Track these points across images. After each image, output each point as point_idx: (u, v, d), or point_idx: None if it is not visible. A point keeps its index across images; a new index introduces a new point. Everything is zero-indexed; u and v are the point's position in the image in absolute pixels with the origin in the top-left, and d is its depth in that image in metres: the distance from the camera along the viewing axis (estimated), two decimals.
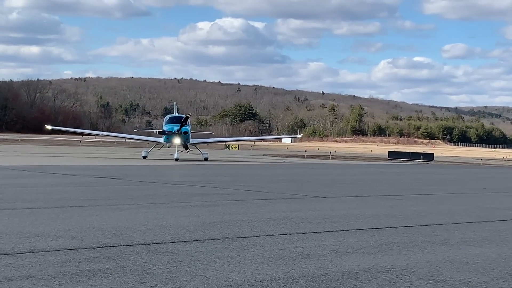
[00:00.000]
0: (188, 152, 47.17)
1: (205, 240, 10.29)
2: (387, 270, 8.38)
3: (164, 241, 10.05)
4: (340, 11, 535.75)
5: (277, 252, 9.38)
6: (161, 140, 48.52)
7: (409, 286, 7.55)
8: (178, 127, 45.46)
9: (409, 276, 8.05)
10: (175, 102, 62.22)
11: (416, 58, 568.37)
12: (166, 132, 46.16)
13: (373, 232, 11.86)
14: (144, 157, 46.04)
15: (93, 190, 19.10)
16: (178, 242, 10.01)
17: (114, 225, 11.56)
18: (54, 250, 8.91)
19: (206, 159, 46.79)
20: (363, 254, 9.51)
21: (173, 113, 54.60)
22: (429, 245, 10.56)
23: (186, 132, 46.06)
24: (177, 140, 45.76)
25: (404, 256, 9.42)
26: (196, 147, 50.20)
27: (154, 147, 51.11)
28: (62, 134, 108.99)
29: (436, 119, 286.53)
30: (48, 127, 58.05)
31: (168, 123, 47.56)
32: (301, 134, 78.22)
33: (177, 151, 45.27)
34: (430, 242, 10.93)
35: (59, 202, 15.28)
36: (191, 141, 48.76)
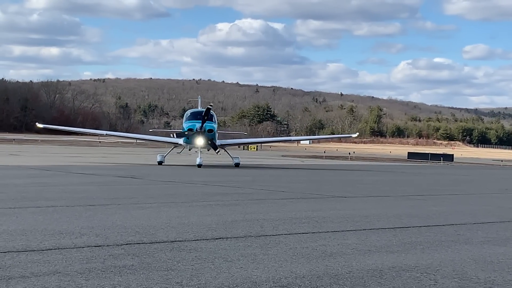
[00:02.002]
0: (218, 153, 38.90)
1: (228, 238, 10.32)
2: (411, 268, 8.36)
3: (188, 239, 10.09)
4: (360, 12, 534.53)
5: (300, 250, 9.39)
6: (181, 141, 39.33)
7: (434, 284, 7.54)
8: (200, 124, 36.50)
9: (433, 275, 8.03)
10: (199, 96, 52.02)
11: (437, 59, 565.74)
12: (186, 132, 37.43)
13: (395, 231, 11.83)
14: (160, 163, 37.63)
15: (114, 189, 19.23)
16: (201, 240, 10.06)
17: (137, 223, 11.63)
18: (79, 247, 8.99)
19: (237, 165, 38.08)
20: (386, 252, 9.49)
21: (196, 108, 43.52)
22: (453, 244, 10.52)
23: (211, 131, 36.98)
24: (200, 141, 36.90)
25: (428, 255, 9.40)
26: (225, 150, 40.92)
27: (172, 149, 41.64)
28: (80, 135, 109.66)
29: (456, 121, 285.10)
30: (40, 125, 48.20)
31: (189, 120, 38.32)
32: (357, 133, 61.83)
33: (200, 154, 36.40)
34: (453, 241, 10.89)
35: (82, 200, 15.39)
36: (218, 142, 39.50)
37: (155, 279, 7.25)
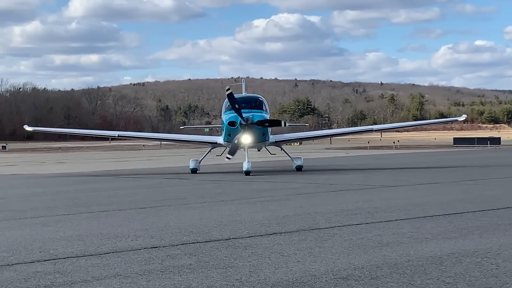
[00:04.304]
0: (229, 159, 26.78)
1: (281, 233, 10.31)
2: (471, 253, 8.25)
3: (242, 236, 10.12)
4: None
5: (355, 241, 9.33)
6: (220, 140, 29.59)
7: (496, 268, 7.42)
8: (250, 115, 26.63)
9: (494, 259, 7.90)
10: (243, 80, 41.22)
11: (478, 42, 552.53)
12: (229, 122, 27.11)
13: (450, 217, 11.69)
14: (193, 171, 28.64)
15: (163, 191, 19.38)
16: (255, 236, 10.07)
17: (190, 223, 11.70)
18: (136, 249, 9.07)
19: (299, 168, 28.52)
20: (443, 239, 9.38)
21: (241, 94, 32.98)
22: (510, 228, 10.36)
23: (261, 123, 27.01)
24: (246, 138, 26.86)
25: (486, 240, 9.26)
26: (282, 148, 31.20)
27: (209, 151, 31.44)
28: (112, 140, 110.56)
29: (500, 103, 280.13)
30: (28, 128, 39.62)
31: (230, 109, 27.43)
32: (464, 116, 42.03)
33: (247, 157, 26.50)
34: (510, 224, 10.73)
35: (133, 204, 15.54)
36: (272, 137, 29.73)
37: (214, 277, 7.28)
